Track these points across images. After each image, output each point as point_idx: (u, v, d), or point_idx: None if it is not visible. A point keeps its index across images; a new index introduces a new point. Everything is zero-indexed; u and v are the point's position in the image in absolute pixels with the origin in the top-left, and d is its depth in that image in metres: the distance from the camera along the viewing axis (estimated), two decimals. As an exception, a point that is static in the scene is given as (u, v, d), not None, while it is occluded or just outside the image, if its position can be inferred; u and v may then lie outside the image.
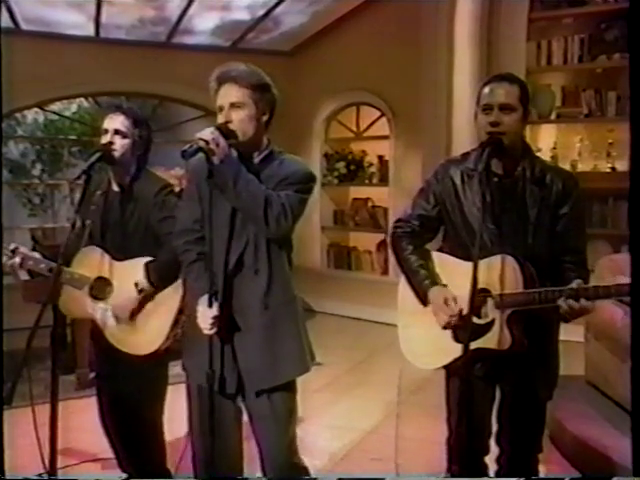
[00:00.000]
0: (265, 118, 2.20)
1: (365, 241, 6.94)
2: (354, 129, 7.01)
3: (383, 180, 6.66)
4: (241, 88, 2.13)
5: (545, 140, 5.75)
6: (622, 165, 5.35)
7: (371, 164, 6.84)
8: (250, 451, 2.35)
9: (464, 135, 5.50)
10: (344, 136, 7.05)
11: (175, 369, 2.64)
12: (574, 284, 2.04)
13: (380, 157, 6.75)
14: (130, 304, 2.55)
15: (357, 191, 7.04)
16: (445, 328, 2.24)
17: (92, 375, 4.35)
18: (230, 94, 2.13)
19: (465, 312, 2.10)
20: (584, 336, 3.79)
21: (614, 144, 5.50)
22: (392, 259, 6.40)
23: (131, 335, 2.58)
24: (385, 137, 6.60)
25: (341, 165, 6.94)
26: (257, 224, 2.12)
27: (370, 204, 6.89)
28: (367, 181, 6.87)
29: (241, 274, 2.17)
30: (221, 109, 2.14)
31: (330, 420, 4.00)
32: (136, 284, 2.53)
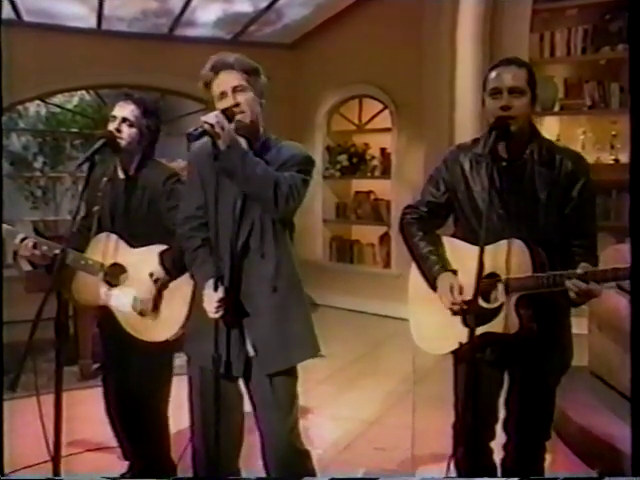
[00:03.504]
0: (263, 102, 2.26)
1: (367, 234, 6.94)
2: (356, 122, 7.00)
3: (385, 173, 6.66)
4: (239, 73, 2.19)
5: (548, 132, 5.67)
6: (625, 157, 5.33)
7: (373, 157, 6.84)
8: (251, 443, 2.36)
9: (467, 127, 5.49)
10: (346, 129, 7.05)
11: (178, 360, 2.65)
12: (579, 269, 2.02)
13: (382, 150, 6.75)
14: (151, 296, 2.54)
15: (359, 184, 7.03)
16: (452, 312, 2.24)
17: (95, 366, 4.38)
18: (230, 79, 2.18)
19: (470, 300, 2.09)
20: (588, 327, 3.79)
21: (617, 136, 5.50)
22: (394, 252, 6.49)
23: (147, 322, 2.57)
24: (387, 130, 6.59)
25: (343, 158, 6.93)
26: (265, 205, 2.14)
27: (372, 197, 6.89)
28: (369, 174, 6.86)
29: (248, 258, 2.18)
30: (223, 94, 2.17)
31: (334, 411, 4.00)
32: (151, 274, 2.52)
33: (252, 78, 2.21)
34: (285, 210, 2.14)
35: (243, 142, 2.19)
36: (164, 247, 2.55)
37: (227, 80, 2.17)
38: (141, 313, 2.55)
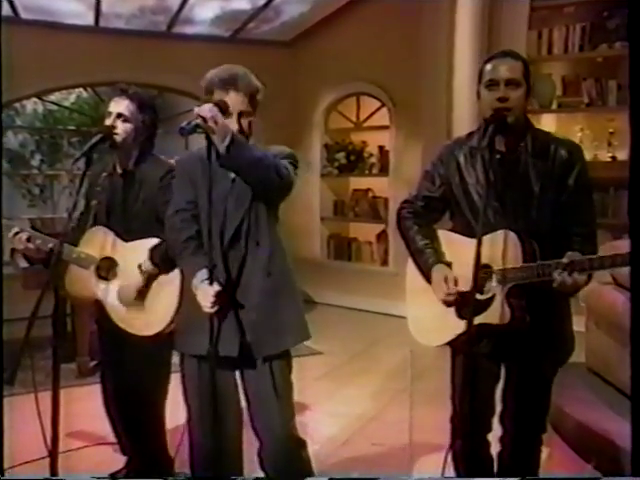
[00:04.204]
0: (254, 119, 2.27)
1: (365, 232, 6.94)
2: (354, 119, 7.00)
3: (383, 170, 6.66)
4: (245, 97, 2.20)
5: (545, 129, 5.73)
6: (623, 154, 5.34)
7: (371, 154, 6.83)
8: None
9: (464, 124, 5.47)
10: (344, 126, 7.04)
11: (175, 358, 2.65)
12: (565, 258, 2.01)
13: (380, 147, 6.75)
14: (134, 286, 2.55)
15: (357, 182, 7.03)
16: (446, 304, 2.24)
17: (93, 363, 4.39)
18: (236, 103, 2.18)
19: (463, 292, 2.10)
20: (585, 324, 3.79)
21: (615, 133, 5.50)
22: (392, 250, 6.48)
23: (138, 315, 2.57)
24: (385, 127, 6.59)
25: (341, 156, 6.93)
26: (265, 187, 2.15)
27: (370, 195, 6.89)
28: (367, 172, 6.87)
29: (243, 249, 2.20)
30: (229, 111, 2.16)
31: (331, 407, 4.01)
32: (139, 266, 2.53)
33: (254, 101, 2.23)
34: (283, 187, 2.17)
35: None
36: (156, 241, 2.54)
37: (233, 103, 2.17)
38: (123, 302, 2.55)
